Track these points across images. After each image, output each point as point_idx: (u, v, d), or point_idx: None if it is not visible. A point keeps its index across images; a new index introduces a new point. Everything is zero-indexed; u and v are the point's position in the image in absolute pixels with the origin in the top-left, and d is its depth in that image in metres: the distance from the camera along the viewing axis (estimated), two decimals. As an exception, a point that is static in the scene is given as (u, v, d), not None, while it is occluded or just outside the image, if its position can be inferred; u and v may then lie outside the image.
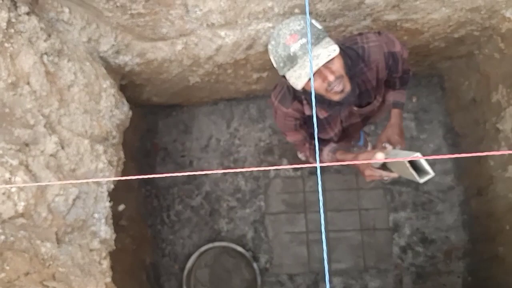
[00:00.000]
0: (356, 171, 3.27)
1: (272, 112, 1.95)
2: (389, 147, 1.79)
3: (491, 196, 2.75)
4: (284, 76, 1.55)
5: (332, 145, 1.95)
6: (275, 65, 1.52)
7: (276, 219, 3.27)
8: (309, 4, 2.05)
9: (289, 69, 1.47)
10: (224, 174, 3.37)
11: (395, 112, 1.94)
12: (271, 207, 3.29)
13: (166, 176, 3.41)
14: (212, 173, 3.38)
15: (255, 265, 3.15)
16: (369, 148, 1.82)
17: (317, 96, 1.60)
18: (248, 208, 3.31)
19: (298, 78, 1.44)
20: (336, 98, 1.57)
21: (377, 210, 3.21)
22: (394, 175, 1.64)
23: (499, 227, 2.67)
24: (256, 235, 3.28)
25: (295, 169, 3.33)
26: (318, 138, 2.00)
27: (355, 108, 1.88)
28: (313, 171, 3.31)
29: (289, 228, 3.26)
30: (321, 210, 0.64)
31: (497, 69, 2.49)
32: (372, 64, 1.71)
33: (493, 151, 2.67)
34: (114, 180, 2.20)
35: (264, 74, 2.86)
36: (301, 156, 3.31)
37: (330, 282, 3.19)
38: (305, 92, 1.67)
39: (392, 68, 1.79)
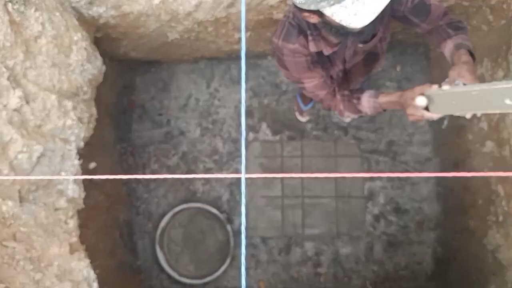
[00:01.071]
0: (335, 138, 3.24)
1: (277, 60, 1.76)
2: (460, 83, 1.53)
3: (467, 169, 2.75)
4: (313, 11, 1.38)
5: (369, 91, 1.75)
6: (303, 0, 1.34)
7: (253, 183, 3.26)
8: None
9: (332, 4, 1.29)
10: (202, 135, 3.32)
11: (463, 52, 1.66)
12: (248, 171, 3.26)
13: (143, 136, 3.35)
14: (190, 134, 3.33)
15: (229, 227, 3.15)
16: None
17: (331, 27, 1.43)
18: (225, 171, 3.28)
19: (355, 15, 1.28)
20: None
21: (353, 178, 3.21)
22: (435, 116, 1.48)
23: (472, 200, 2.69)
24: (232, 197, 3.27)
25: (274, 134, 3.28)
26: (349, 90, 1.77)
27: (360, 45, 1.76)
28: (292, 136, 3.27)
29: (265, 192, 3.25)
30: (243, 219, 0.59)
31: (484, 42, 2.44)
32: None
33: (473, 125, 2.66)
34: (84, 138, 2.13)
35: (247, 34, 2.76)
36: (301, 118, 3.25)
37: (302, 246, 3.22)
38: (310, 26, 1.55)
39: None
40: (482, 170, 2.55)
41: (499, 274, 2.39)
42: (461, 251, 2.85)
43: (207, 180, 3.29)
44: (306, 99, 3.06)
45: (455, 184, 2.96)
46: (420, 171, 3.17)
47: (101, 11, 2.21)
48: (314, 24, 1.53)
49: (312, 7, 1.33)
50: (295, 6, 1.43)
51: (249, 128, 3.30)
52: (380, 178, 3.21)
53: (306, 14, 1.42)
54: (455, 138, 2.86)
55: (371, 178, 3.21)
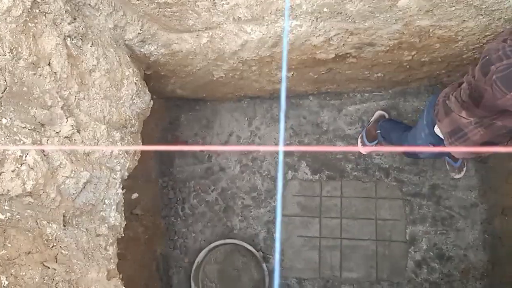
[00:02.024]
0: (376, 179, 3.18)
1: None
2: None
3: (515, 217, 2.64)
4: None
5: None
6: None
7: (290, 222, 3.23)
8: (339, 4, 2.00)
9: None
10: (242, 172, 3.35)
11: None
12: (286, 209, 3.24)
13: (184, 171, 3.41)
14: (230, 171, 3.36)
15: (264, 265, 3.11)
16: None
17: None
18: (262, 208, 3.28)
19: None
20: None
21: (394, 222, 3.12)
22: None
23: (522, 250, 2.56)
24: (269, 235, 3.24)
25: (314, 173, 3.27)
26: None
27: None
28: (331, 176, 3.25)
29: (303, 231, 3.20)
30: (278, 195, 0.59)
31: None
32: None
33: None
34: (129, 169, 2.20)
35: (289, 74, 2.81)
36: (362, 148, 3.19)
37: (340, 290, 3.12)
38: None
39: None
40: (532, 218, 2.44)
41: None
42: (510, 304, 2.69)
43: (245, 217, 3.29)
44: (370, 136, 3.05)
45: (503, 232, 2.83)
46: (465, 218, 3.05)
47: (152, 49, 2.33)
48: None
49: None
50: None
51: (288, 166, 3.31)
52: (423, 223, 3.10)
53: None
54: (503, 183, 2.75)
55: (414, 222, 3.11)
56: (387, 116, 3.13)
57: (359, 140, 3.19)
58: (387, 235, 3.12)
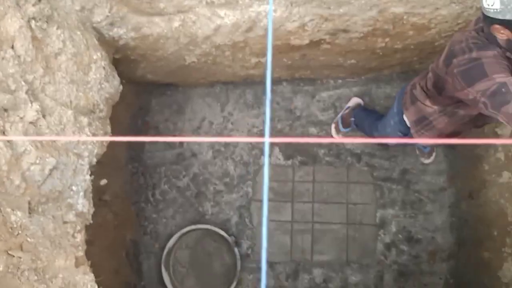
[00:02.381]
0: (348, 164, 3.22)
1: (466, 75, 1.63)
2: None
3: (482, 200, 2.72)
4: (506, 24, 1.36)
5: None
6: (498, 8, 1.32)
7: (262, 207, 3.23)
8: (311, -11, 1.99)
9: None
10: (214, 157, 3.33)
11: None
12: (258, 194, 3.25)
13: (155, 156, 3.37)
14: (202, 156, 3.34)
15: (236, 250, 3.12)
16: None
17: None
18: (235, 193, 3.28)
19: None
20: None
21: (365, 205, 3.17)
22: None
23: (488, 232, 2.64)
24: (241, 220, 3.25)
25: (286, 158, 3.28)
26: None
27: None
28: (304, 161, 3.26)
29: (275, 216, 3.22)
30: (265, 186, 0.59)
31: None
32: None
33: (489, 155, 2.63)
34: (97, 154, 2.15)
35: (263, 59, 2.79)
36: (336, 134, 3.20)
37: (311, 273, 3.17)
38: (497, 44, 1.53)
39: None
40: (498, 201, 2.52)
41: (513, 309, 2.32)
42: (474, 284, 2.78)
43: (217, 202, 3.28)
44: (345, 123, 3.07)
45: (469, 214, 2.92)
46: (434, 201, 3.13)
47: (121, 32, 2.27)
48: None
49: (508, 17, 1.31)
50: (485, 18, 1.42)
51: (261, 152, 3.30)
52: (393, 206, 3.17)
53: (497, 26, 1.40)
54: (471, 168, 2.83)
55: (384, 206, 3.17)
56: (362, 103, 3.16)
57: (333, 126, 3.21)
58: (358, 219, 3.18)
